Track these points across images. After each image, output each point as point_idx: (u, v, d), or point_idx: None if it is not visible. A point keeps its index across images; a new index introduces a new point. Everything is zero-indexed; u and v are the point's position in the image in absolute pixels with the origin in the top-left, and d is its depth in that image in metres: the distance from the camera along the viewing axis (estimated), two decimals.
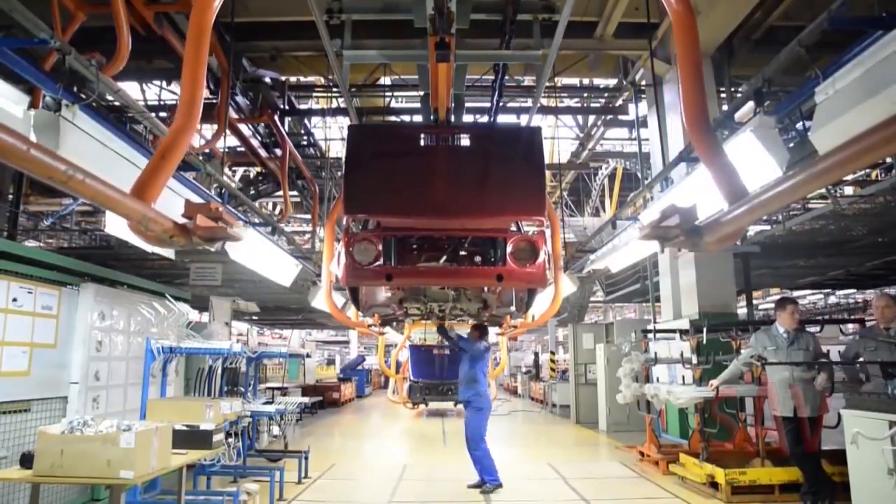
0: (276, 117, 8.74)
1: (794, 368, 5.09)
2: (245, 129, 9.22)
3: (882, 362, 4.62)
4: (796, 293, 14.23)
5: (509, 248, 4.19)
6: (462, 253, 4.47)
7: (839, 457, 4.76)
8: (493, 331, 12.64)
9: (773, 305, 20.93)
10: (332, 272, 4.89)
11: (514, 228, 4.62)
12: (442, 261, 4.34)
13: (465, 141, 4.20)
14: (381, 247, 4.16)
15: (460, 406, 13.75)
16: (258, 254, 6.28)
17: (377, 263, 4.14)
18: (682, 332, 7.00)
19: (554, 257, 5.02)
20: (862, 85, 3.07)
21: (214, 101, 7.34)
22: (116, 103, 5.28)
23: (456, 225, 4.19)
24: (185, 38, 2.80)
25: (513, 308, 5.78)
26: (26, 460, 3.36)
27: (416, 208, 3.95)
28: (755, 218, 2.52)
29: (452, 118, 4.75)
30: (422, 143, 4.14)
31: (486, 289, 5.30)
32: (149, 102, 9.00)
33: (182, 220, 2.59)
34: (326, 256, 5.22)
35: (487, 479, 6.20)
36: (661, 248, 2.69)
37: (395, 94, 10.90)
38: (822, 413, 5.11)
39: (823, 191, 6.18)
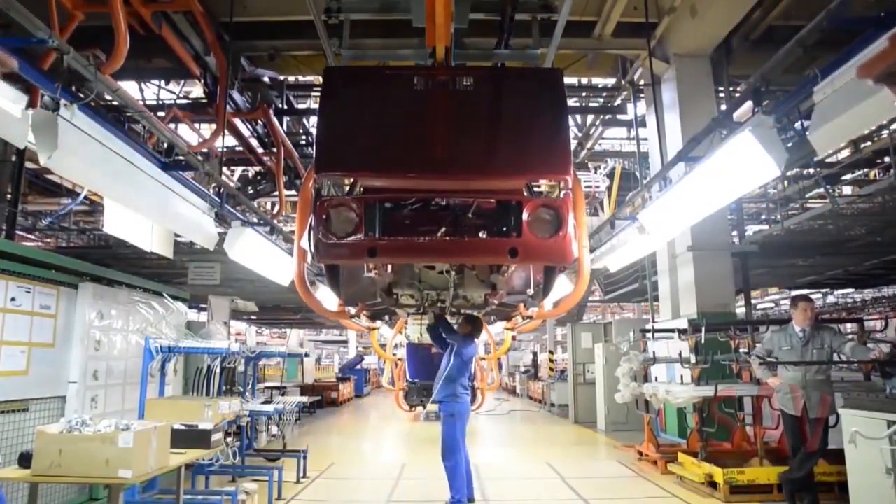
0: (270, 112, 8.73)
1: (808, 369, 5.03)
2: (244, 128, 9.24)
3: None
4: (795, 293, 14.25)
5: (526, 216, 3.30)
6: (465, 225, 3.61)
7: (837, 456, 4.77)
8: (497, 327, 12.58)
9: (771, 305, 20.65)
10: (304, 248, 3.90)
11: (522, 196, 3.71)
12: (440, 233, 3.45)
13: (469, 85, 3.46)
14: (362, 214, 3.29)
15: None
16: (256, 253, 6.28)
17: (357, 235, 3.27)
18: (681, 332, 7.01)
19: (578, 228, 3.86)
20: (860, 84, 3.07)
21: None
22: (115, 103, 5.27)
23: (457, 186, 3.42)
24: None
25: (530, 291, 4.84)
26: (24, 460, 3.35)
27: (406, 165, 3.29)
28: None
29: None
30: (415, 87, 3.44)
31: (495, 269, 4.47)
32: (147, 102, 8.99)
33: None
34: (298, 229, 4.09)
35: (452, 498, 5.40)
36: None
37: None
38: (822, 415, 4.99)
39: (822, 190, 6.19)
